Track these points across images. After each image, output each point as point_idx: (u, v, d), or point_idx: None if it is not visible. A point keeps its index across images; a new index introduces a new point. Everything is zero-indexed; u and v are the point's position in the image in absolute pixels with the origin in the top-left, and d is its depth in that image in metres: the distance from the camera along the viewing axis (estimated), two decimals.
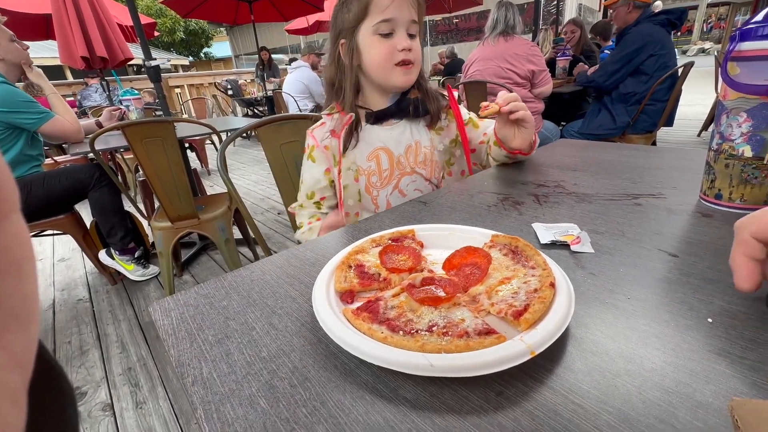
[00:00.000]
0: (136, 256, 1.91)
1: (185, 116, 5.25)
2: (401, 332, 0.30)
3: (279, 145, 1.05)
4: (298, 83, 4.21)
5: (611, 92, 2.27)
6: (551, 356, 0.28)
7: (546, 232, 0.46)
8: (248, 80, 7.61)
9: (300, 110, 4.23)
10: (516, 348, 0.27)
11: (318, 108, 4.33)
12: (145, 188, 2.19)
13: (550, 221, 0.51)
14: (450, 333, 0.30)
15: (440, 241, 0.45)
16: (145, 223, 2.09)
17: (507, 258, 0.39)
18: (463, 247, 0.41)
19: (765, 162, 0.45)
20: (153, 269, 1.94)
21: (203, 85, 7.49)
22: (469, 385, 0.27)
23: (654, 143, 2.41)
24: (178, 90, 7.07)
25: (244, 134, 1.15)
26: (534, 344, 0.27)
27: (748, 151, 0.46)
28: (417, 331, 0.30)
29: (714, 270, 0.37)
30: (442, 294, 0.34)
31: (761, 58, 0.43)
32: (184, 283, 1.89)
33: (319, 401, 0.27)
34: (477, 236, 0.44)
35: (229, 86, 6.80)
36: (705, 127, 3.84)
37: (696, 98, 4.11)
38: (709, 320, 0.31)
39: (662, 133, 2.44)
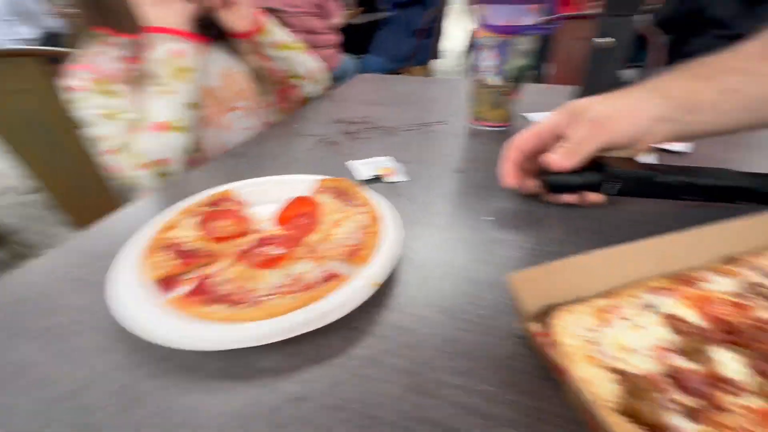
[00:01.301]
0: None
1: None
2: (245, 305, 0.28)
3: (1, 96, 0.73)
4: None
5: (398, 21, 2.45)
6: (390, 281, 0.32)
7: (363, 168, 0.50)
8: None
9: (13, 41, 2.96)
10: (359, 285, 0.29)
11: (50, 37, 3.12)
12: None
13: (365, 157, 0.54)
14: (296, 289, 0.29)
15: (266, 196, 0.42)
16: None
17: (336, 201, 0.40)
18: (294, 198, 0.39)
19: (506, 89, 0.59)
20: None
21: None
22: (326, 332, 0.27)
23: (429, 75, 2.82)
24: None
25: None
26: (374, 276, 0.30)
27: (496, 81, 0.59)
28: (261, 298, 0.29)
29: (488, 178, 0.48)
30: (280, 252, 0.33)
31: (497, 2, 0.54)
32: None
33: (165, 415, 0.23)
34: (303, 184, 0.43)
35: None
36: (463, 59, 4.71)
37: (454, 32, 4.91)
38: (490, 218, 0.40)
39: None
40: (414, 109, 0.76)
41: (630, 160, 0.41)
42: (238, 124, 0.74)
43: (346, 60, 2.55)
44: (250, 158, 0.56)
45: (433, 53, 2.66)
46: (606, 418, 0.17)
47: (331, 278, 0.30)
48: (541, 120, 0.40)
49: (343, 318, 0.28)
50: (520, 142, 0.41)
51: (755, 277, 0.29)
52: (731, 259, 0.31)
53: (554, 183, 0.39)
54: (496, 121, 0.63)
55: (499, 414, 0.22)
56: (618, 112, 0.37)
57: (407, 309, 0.30)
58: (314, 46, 2.36)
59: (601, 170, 0.39)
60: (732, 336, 0.24)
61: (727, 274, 0.29)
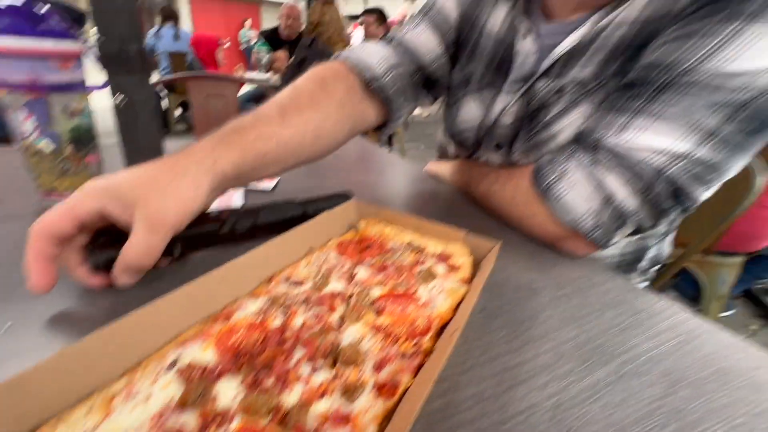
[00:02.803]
0: None
1: None
2: None
3: None
4: None
5: None
6: None
7: None
8: None
9: None
10: None
11: None
12: None
13: None
14: None
15: None
16: None
17: None
18: None
19: (68, 154, 0.50)
20: None
21: None
22: None
23: None
24: None
25: None
26: None
27: (49, 146, 0.49)
28: None
29: (14, 274, 0.36)
30: None
31: (8, 56, 0.44)
32: None
33: None
34: None
35: None
36: None
37: None
38: (9, 323, 0.30)
39: None
40: None
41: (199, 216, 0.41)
42: None
43: None
44: None
45: None
46: None
47: None
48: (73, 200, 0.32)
49: None
50: (52, 229, 0.31)
51: (282, 289, 0.35)
52: (269, 279, 0.36)
53: (96, 263, 0.34)
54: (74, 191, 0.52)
55: None
56: (173, 202, 0.34)
57: None
58: None
59: None
60: (240, 360, 0.26)
61: (259, 295, 0.33)
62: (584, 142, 0.44)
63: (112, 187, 0.33)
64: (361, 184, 0.70)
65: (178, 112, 4.44)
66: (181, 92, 3.78)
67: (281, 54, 2.99)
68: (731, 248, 1.22)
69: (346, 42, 2.47)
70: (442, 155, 0.82)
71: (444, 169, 0.74)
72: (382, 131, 0.62)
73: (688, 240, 1.04)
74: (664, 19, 0.41)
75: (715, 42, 0.36)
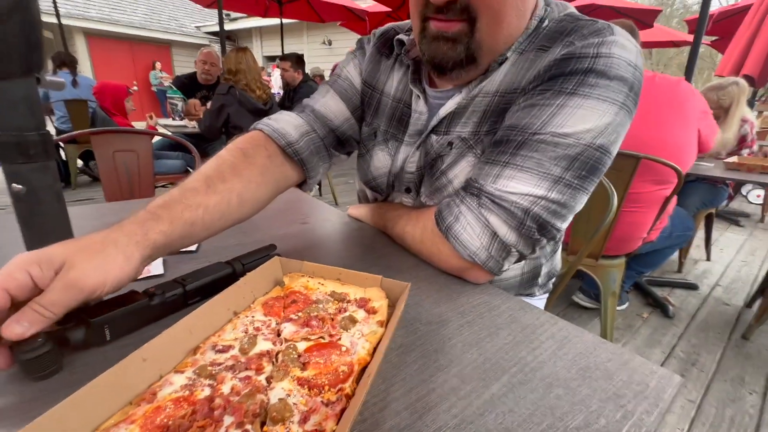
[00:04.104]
0: None
1: None
2: None
3: None
4: None
5: None
6: None
7: None
8: None
9: None
10: None
11: None
12: None
13: None
14: None
15: None
16: None
17: None
18: None
19: None
20: None
21: None
22: None
23: None
24: None
25: None
26: None
27: None
28: None
29: None
30: None
31: None
32: None
33: None
34: None
35: None
36: None
37: None
38: None
39: None
40: None
41: (119, 297, 0.41)
42: None
43: None
44: None
45: None
46: None
47: None
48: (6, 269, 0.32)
49: None
50: None
51: (209, 357, 0.36)
52: (196, 349, 0.37)
53: (23, 360, 0.32)
54: None
55: None
56: (100, 271, 0.35)
57: None
58: None
59: (80, 318, 0.36)
60: None
61: (185, 368, 0.34)
62: (471, 188, 0.53)
63: (41, 254, 0.34)
64: (283, 235, 0.73)
65: (80, 163, 4.03)
66: (83, 141, 3.46)
67: (195, 101, 2.92)
68: (614, 252, 1.45)
69: (265, 86, 2.51)
70: (362, 200, 0.88)
71: (364, 212, 0.80)
72: (302, 188, 0.67)
73: (578, 248, 1.22)
74: (516, 92, 0.53)
75: (550, 111, 0.48)
